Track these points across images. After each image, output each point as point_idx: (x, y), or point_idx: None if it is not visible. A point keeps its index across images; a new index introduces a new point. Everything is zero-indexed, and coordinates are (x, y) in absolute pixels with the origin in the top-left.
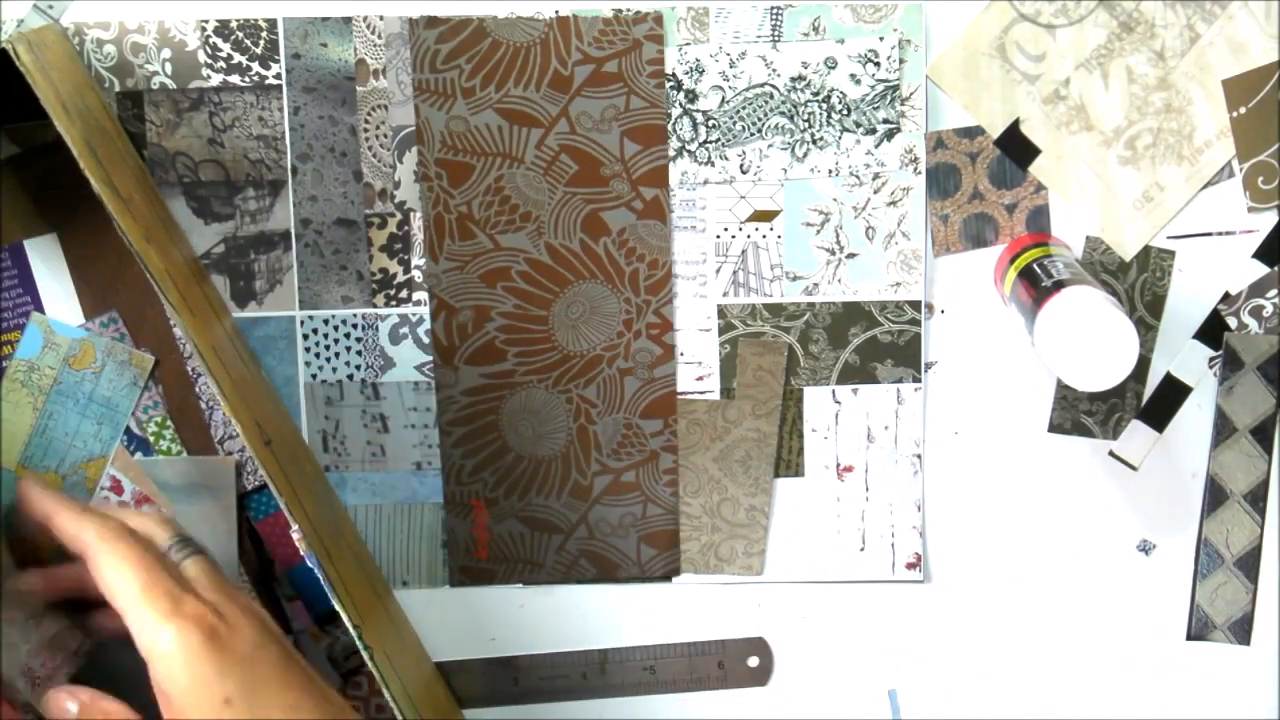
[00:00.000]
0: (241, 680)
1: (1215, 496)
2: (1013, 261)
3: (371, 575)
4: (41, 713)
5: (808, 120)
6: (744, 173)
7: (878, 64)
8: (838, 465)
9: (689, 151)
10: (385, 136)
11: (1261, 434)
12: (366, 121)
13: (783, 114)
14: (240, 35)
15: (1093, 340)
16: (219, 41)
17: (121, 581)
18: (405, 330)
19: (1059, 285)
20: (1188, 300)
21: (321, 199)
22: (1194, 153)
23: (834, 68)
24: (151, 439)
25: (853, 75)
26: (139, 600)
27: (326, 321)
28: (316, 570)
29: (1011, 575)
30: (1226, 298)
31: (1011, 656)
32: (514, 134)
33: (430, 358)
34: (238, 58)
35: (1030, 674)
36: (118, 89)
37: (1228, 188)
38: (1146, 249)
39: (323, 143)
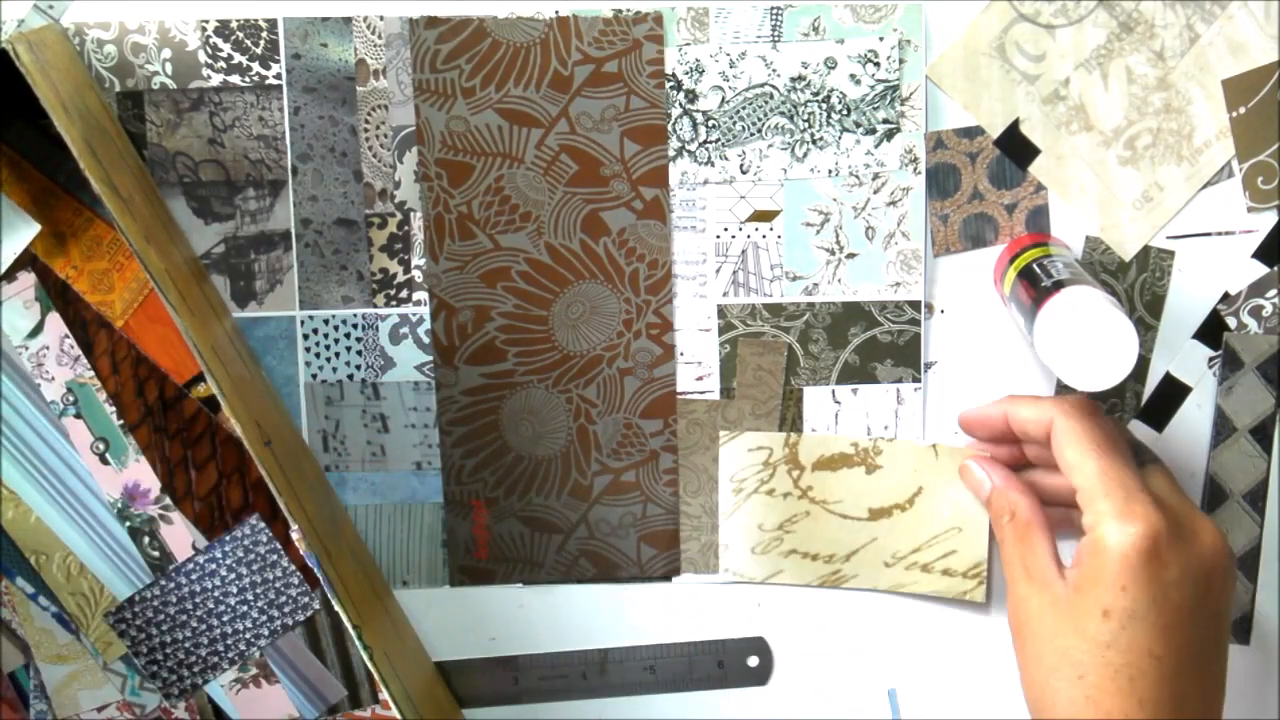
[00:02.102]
0: (1154, 603)
1: (1215, 496)
2: (1013, 261)
3: (371, 575)
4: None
5: (808, 120)
6: (744, 173)
7: (878, 64)
8: None
9: (689, 151)
10: (385, 136)
11: (1261, 434)
12: (366, 121)
13: (783, 114)
14: (240, 35)
15: (1093, 340)
16: (219, 41)
17: (1081, 461)
18: (405, 330)
19: (1059, 285)
20: (1188, 300)
21: (321, 199)
22: (1194, 153)
23: (834, 68)
24: None
25: (853, 75)
26: (1094, 485)
27: (326, 321)
28: (316, 570)
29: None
30: (1226, 298)
31: (1011, 656)
32: (514, 134)
33: (430, 358)
34: (238, 58)
35: None
36: (118, 89)
37: (1227, 188)
38: (1146, 249)
39: (323, 143)
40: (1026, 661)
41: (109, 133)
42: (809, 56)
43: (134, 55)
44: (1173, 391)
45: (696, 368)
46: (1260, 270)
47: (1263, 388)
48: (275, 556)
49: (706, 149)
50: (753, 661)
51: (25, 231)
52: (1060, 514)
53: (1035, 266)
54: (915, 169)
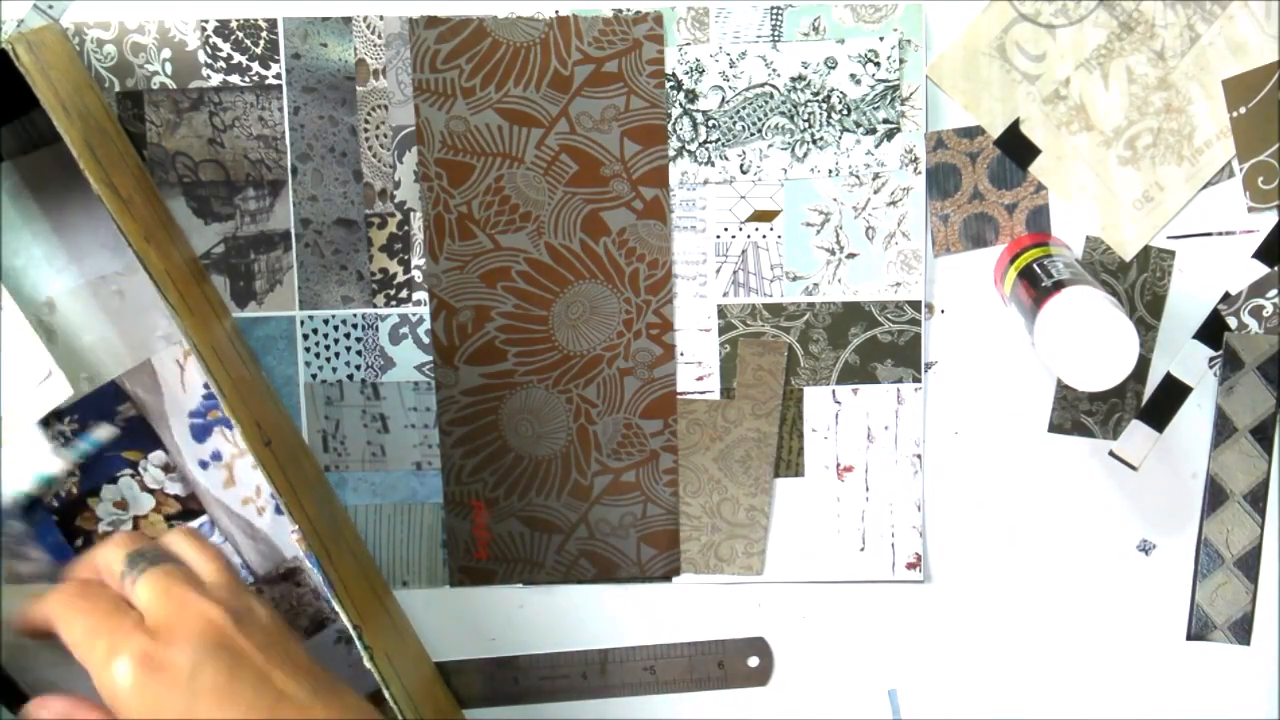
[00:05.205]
0: (179, 705)
1: (1215, 496)
2: (1013, 261)
3: (371, 575)
4: None
5: (808, 120)
6: (744, 173)
7: (878, 64)
8: (838, 465)
9: (689, 151)
10: (385, 136)
11: (1261, 434)
12: (366, 121)
13: (783, 114)
14: (240, 35)
15: (1093, 340)
16: (219, 41)
17: (72, 639)
18: (405, 330)
19: (1059, 285)
20: (1188, 300)
21: (321, 199)
22: (1194, 153)
23: (834, 68)
24: None
25: (853, 75)
26: (83, 650)
27: (326, 321)
28: (316, 571)
29: (1011, 575)
30: (1226, 298)
31: (1011, 656)
32: (514, 134)
33: (430, 358)
34: (238, 58)
35: (1030, 674)
36: (118, 89)
37: (1228, 188)
38: (1146, 249)
39: (323, 143)
40: None
41: (109, 133)
42: (809, 56)
43: (134, 55)
44: (1173, 391)
45: (696, 368)
46: (1261, 270)
47: (1263, 388)
48: None
49: (706, 149)
50: (753, 661)
51: None
52: None
53: (1035, 266)
54: (915, 169)
